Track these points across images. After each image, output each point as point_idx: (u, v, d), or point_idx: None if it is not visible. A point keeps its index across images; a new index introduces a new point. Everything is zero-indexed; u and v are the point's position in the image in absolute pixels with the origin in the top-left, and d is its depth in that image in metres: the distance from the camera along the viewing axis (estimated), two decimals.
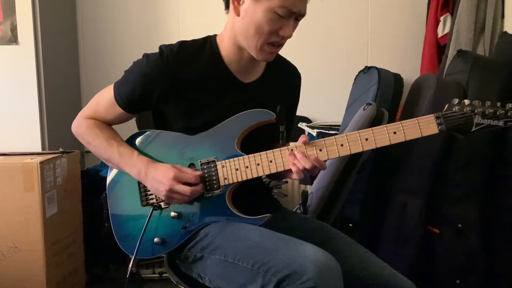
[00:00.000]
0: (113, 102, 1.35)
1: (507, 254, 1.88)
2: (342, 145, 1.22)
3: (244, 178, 1.28)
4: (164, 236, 1.32)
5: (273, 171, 1.26)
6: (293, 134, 1.55)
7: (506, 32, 2.13)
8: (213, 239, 1.25)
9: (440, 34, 2.59)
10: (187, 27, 2.99)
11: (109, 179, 1.42)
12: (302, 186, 2.59)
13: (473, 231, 1.90)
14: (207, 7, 2.91)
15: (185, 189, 1.25)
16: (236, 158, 1.29)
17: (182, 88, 1.31)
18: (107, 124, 1.40)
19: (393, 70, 2.51)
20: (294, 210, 1.89)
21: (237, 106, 1.32)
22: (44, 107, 2.60)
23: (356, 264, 1.24)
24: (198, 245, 1.28)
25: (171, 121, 1.35)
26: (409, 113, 2.01)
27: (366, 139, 1.21)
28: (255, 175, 1.28)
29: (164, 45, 1.33)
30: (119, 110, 1.36)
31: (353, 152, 1.22)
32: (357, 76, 2.68)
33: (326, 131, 2.58)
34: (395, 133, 1.20)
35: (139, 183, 1.36)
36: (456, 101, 1.19)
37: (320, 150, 1.23)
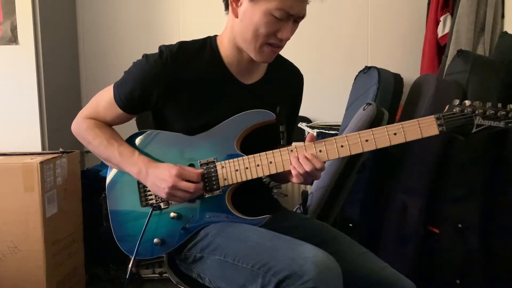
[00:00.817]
0: (113, 103, 1.35)
1: (507, 254, 1.88)
2: (342, 146, 1.22)
3: (244, 179, 1.28)
4: (164, 236, 1.32)
5: (273, 172, 1.26)
6: (294, 134, 1.55)
7: (506, 32, 2.13)
8: (213, 240, 1.25)
9: (440, 34, 2.59)
10: (187, 27, 2.99)
11: (108, 179, 1.42)
12: (302, 186, 2.59)
13: (473, 231, 1.90)
14: (207, 7, 2.91)
15: (188, 185, 1.25)
16: (236, 159, 1.28)
17: (181, 89, 1.31)
18: (107, 124, 1.40)
19: (393, 70, 2.51)
20: (294, 210, 1.90)
21: (237, 107, 1.32)
22: (44, 107, 2.60)
23: (356, 264, 1.24)
24: (198, 246, 1.28)
25: (171, 122, 1.35)
26: (409, 113, 2.01)
27: (366, 140, 1.21)
28: (254, 176, 1.27)
29: (163, 45, 1.33)
30: (118, 111, 1.36)
31: (353, 153, 1.22)
32: (357, 76, 2.68)
33: (326, 131, 2.58)
34: (395, 134, 1.20)
35: (138, 183, 1.36)
36: (456, 102, 1.19)
37: (320, 151, 1.23)
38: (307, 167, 1.20)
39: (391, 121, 2.11)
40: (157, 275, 2.50)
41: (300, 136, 2.72)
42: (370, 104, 1.91)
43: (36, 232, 2.09)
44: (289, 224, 1.37)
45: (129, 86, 1.32)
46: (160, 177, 1.26)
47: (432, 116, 1.19)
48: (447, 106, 1.20)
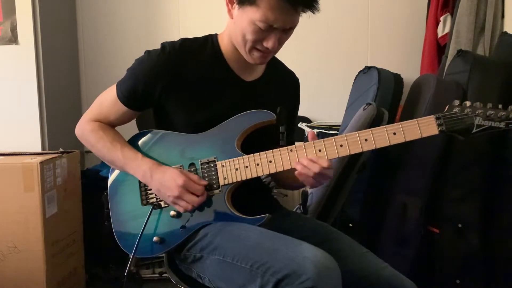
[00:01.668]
0: (116, 100, 1.36)
1: (507, 254, 1.88)
2: (341, 145, 1.22)
3: (244, 178, 1.28)
4: (163, 235, 1.32)
5: (272, 171, 1.26)
6: (294, 136, 1.55)
7: (506, 32, 2.13)
8: (212, 239, 1.25)
9: (440, 34, 2.59)
10: (187, 27, 2.99)
11: (111, 179, 1.43)
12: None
13: (473, 231, 1.90)
14: (207, 7, 2.91)
15: (193, 199, 1.26)
16: (236, 158, 1.29)
17: (184, 83, 1.32)
18: (110, 126, 1.41)
19: (393, 70, 2.51)
20: (294, 210, 1.90)
21: (238, 104, 1.33)
22: (44, 107, 2.60)
23: (356, 264, 1.24)
24: (198, 245, 1.29)
25: (172, 117, 1.36)
26: (409, 113, 2.01)
27: (366, 140, 1.21)
28: (254, 175, 1.28)
29: (166, 42, 1.34)
30: (122, 108, 1.36)
31: (352, 152, 1.22)
32: (357, 76, 2.68)
33: (326, 131, 2.58)
34: (394, 134, 1.20)
35: (140, 182, 1.36)
36: (457, 102, 1.19)
37: (320, 150, 1.23)
38: (315, 169, 1.19)
39: (391, 121, 2.12)
40: (157, 275, 2.50)
41: (300, 136, 2.72)
42: (370, 104, 1.91)
43: (36, 232, 2.09)
44: (289, 224, 1.37)
45: (132, 82, 1.33)
46: (166, 185, 1.27)
47: (432, 116, 1.19)
48: (447, 107, 1.20)
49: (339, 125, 2.56)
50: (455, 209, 1.91)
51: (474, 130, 1.17)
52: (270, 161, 1.26)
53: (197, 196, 1.26)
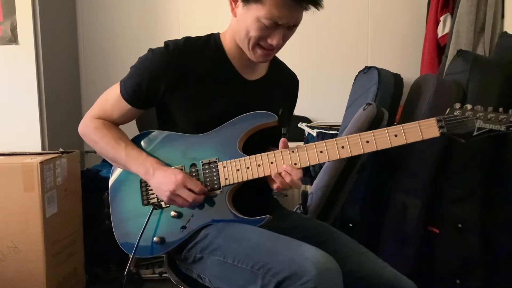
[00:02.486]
0: (120, 99, 1.36)
1: (507, 254, 1.88)
2: (343, 147, 1.22)
3: (245, 179, 1.28)
4: (164, 235, 1.33)
5: (274, 172, 1.26)
6: (294, 134, 1.55)
7: (506, 32, 2.13)
8: (213, 240, 1.26)
9: (440, 34, 2.59)
10: (187, 27, 2.99)
11: (112, 178, 1.43)
12: (302, 186, 2.59)
13: (473, 231, 1.90)
14: (207, 7, 2.91)
15: (189, 194, 1.26)
16: (237, 159, 1.29)
17: (187, 81, 1.32)
18: (114, 125, 1.41)
19: (393, 70, 2.51)
20: (294, 210, 1.90)
21: (241, 102, 1.34)
22: (44, 107, 2.60)
23: (357, 264, 1.24)
24: (198, 246, 1.29)
25: (175, 115, 1.36)
26: (409, 113, 2.01)
27: (367, 142, 1.21)
28: (255, 176, 1.28)
29: (169, 40, 1.35)
30: (126, 106, 1.36)
31: (353, 154, 1.22)
32: (357, 76, 2.68)
33: (326, 131, 2.58)
34: (396, 136, 1.20)
35: (141, 182, 1.37)
36: (458, 105, 1.19)
37: (321, 152, 1.23)
38: (287, 179, 1.23)
39: (391, 121, 2.12)
40: (157, 275, 2.50)
41: (301, 136, 2.72)
42: (370, 104, 1.91)
43: (36, 232, 2.09)
44: (289, 224, 1.38)
45: (136, 79, 1.33)
46: (164, 180, 1.27)
47: (433, 118, 1.19)
48: (448, 109, 1.20)
49: (339, 125, 2.56)
50: (455, 209, 1.91)
51: (475, 133, 1.18)
52: (272, 162, 1.26)
53: (195, 193, 1.26)
